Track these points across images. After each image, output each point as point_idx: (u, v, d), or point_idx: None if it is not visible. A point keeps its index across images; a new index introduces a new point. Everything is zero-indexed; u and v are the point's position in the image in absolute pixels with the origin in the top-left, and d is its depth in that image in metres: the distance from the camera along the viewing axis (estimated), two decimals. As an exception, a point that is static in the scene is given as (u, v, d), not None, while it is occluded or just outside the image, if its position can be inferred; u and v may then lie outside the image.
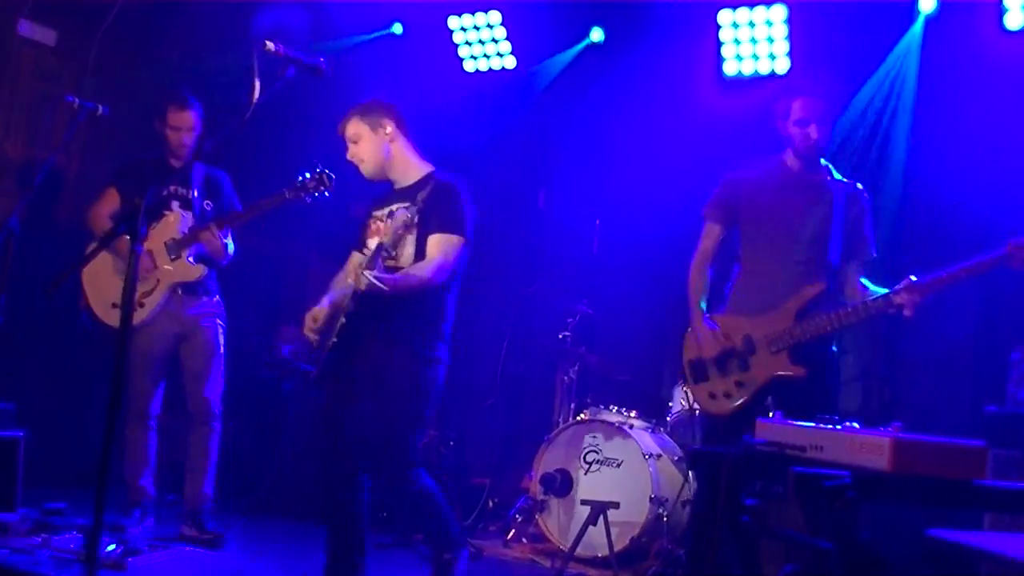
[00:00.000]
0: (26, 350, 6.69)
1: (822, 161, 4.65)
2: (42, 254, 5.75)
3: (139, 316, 5.57)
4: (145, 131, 6.06)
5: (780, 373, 4.33)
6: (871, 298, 4.27)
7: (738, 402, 4.42)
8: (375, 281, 4.04)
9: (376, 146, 4.50)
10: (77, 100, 5.37)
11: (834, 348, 4.55)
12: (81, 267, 5.43)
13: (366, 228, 4.62)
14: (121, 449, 5.73)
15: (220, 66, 7.18)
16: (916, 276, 4.15)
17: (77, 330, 5.83)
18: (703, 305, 4.65)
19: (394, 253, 4.31)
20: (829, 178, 4.62)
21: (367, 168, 4.54)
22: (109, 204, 5.86)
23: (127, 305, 3.35)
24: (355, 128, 4.50)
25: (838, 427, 2.81)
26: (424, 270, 4.26)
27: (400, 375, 4.28)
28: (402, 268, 4.32)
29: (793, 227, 4.51)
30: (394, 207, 4.47)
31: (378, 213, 4.58)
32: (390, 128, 4.51)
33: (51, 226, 6.90)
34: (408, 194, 4.47)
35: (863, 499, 2.48)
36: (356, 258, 4.60)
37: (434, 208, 4.35)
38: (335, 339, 4.26)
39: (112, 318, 5.68)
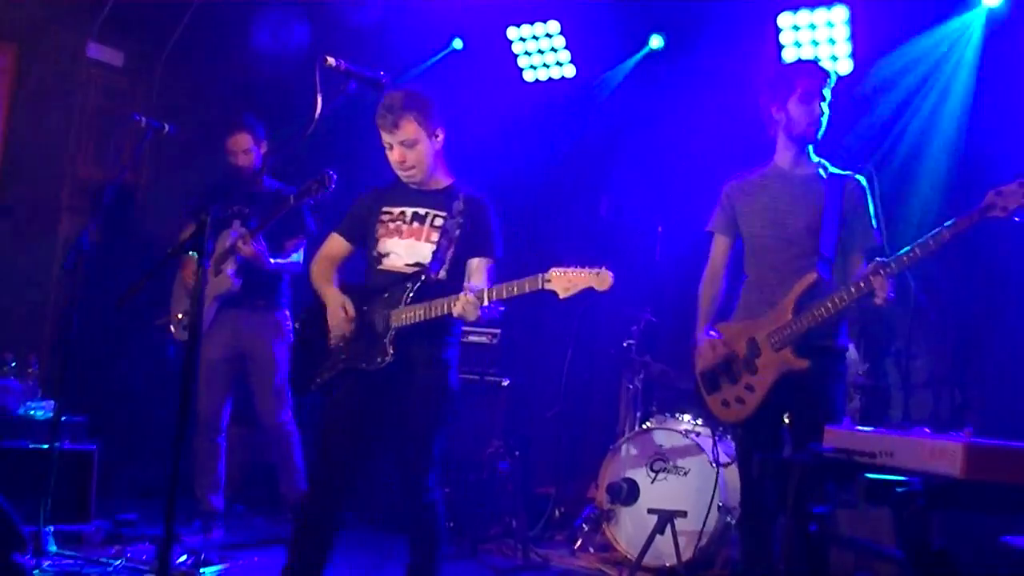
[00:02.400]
0: (98, 364, 6.81)
1: (814, 157, 4.52)
2: (113, 271, 5.87)
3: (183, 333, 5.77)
4: (211, 148, 6.16)
5: (786, 368, 4.26)
6: (852, 280, 4.13)
7: (751, 406, 4.35)
8: (480, 311, 3.95)
9: (430, 153, 4.21)
10: (144, 119, 5.48)
11: (843, 342, 4.43)
12: (145, 282, 5.55)
13: (371, 223, 4.33)
14: (190, 462, 5.83)
15: (283, 83, 7.28)
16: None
17: (147, 345, 5.95)
18: (707, 317, 4.60)
19: (445, 263, 4.17)
20: (820, 171, 4.50)
21: (415, 175, 4.23)
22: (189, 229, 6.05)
23: (195, 320, 3.40)
24: (411, 131, 4.13)
25: (908, 433, 2.77)
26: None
27: (437, 390, 4.17)
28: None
29: (784, 225, 4.41)
30: (421, 211, 4.25)
31: (393, 210, 4.30)
32: (442, 135, 4.24)
33: (122, 243, 7.02)
34: (438, 201, 4.26)
35: (934, 506, 2.44)
36: (340, 245, 4.42)
37: (475, 227, 4.22)
38: (390, 357, 4.09)
39: (179, 333, 5.88)
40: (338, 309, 4.24)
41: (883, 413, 5.97)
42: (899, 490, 2.48)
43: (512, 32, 7.77)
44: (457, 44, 8.09)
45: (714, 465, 5.78)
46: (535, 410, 7.47)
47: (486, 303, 3.93)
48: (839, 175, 4.48)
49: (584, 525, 6.41)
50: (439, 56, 8.08)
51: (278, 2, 7.46)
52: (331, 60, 3.71)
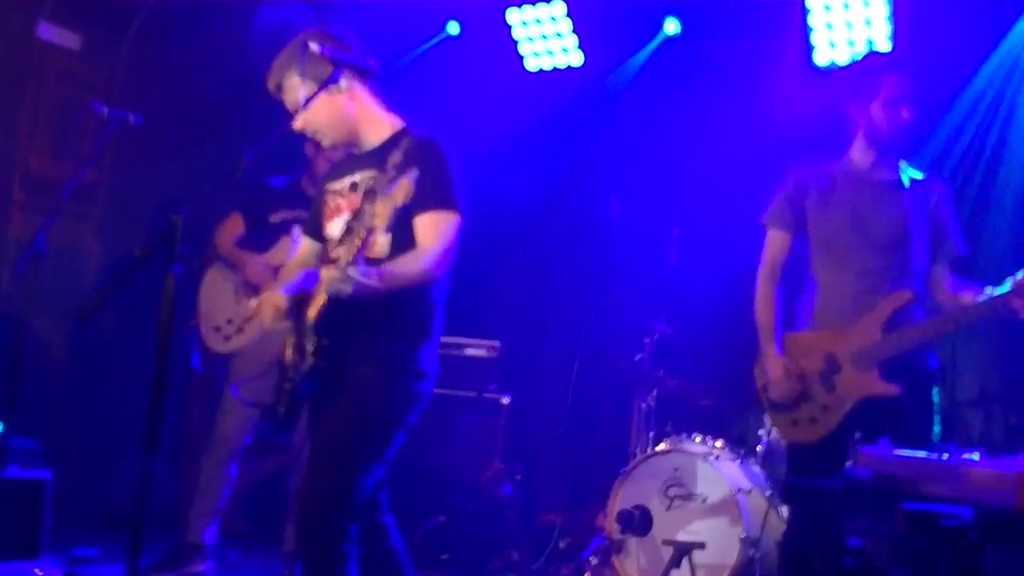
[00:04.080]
0: (54, 381, 6.78)
1: (895, 161, 4.53)
2: (72, 278, 5.84)
3: (237, 342, 5.73)
4: (183, 141, 6.13)
5: (870, 393, 4.25)
6: (978, 300, 4.13)
7: (825, 428, 4.33)
8: (364, 280, 3.37)
9: (335, 109, 3.87)
10: (106, 108, 5.45)
11: (933, 363, 4.44)
12: (112, 290, 5.52)
13: (321, 207, 4.04)
14: (185, 484, 5.76)
15: (264, 68, 7.25)
16: None
17: (110, 359, 5.90)
18: (774, 329, 4.58)
19: (370, 240, 3.56)
20: (904, 174, 4.51)
21: (328, 140, 3.94)
22: (232, 229, 5.99)
23: (165, 329, 3.37)
24: (297, 89, 3.83)
25: (956, 458, 2.75)
26: (421, 261, 3.64)
27: (376, 397, 3.70)
28: (380, 260, 3.67)
29: (868, 231, 4.41)
30: (357, 177, 3.88)
31: (335, 186, 3.97)
32: (346, 82, 3.83)
33: (82, 246, 7.00)
34: (375, 158, 3.84)
35: (988, 540, 2.43)
36: (308, 247, 4.12)
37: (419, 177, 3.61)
38: (312, 362, 3.66)
39: (213, 341, 5.85)
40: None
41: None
42: (946, 522, 2.47)
43: (513, 15, 7.76)
44: (453, 28, 8.07)
45: (735, 492, 5.77)
46: (538, 430, 7.47)
47: (353, 273, 3.36)
48: (922, 180, 4.49)
49: (592, 557, 6.38)
50: (433, 42, 8.07)
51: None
52: (314, 46, 3.69)
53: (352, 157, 4.01)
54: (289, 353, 3.79)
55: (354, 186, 3.88)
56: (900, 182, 4.47)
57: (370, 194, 3.73)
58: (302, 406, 3.81)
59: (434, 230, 3.68)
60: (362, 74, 3.93)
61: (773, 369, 4.48)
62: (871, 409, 4.21)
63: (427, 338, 3.85)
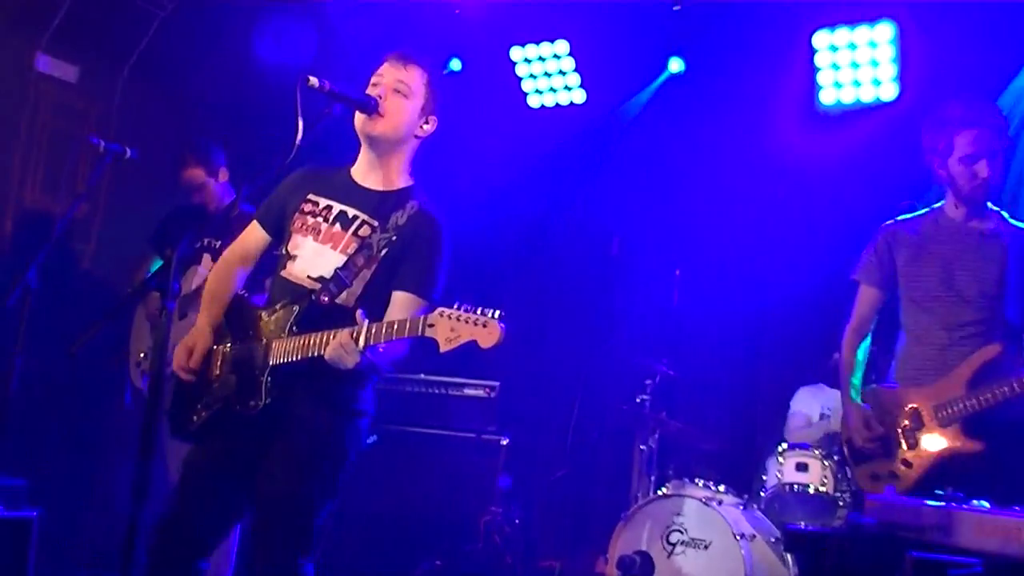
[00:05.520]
0: (43, 419, 6.74)
1: (990, 205, 4.49)
2: (64, 312, 5.81)
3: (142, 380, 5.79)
4: (179, 176, 6.14)
5: (952, 449, 4.20)
6: None
7: (906, 484, 4.27)
8: (369, 358, 3.52)
9: (411, 126, 3.90)
10: (102, 142, 5.45)
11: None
12: (102, 326, 5.53)
13: (290, 209, 3.96)
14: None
15: (261, 103, 7.27)
16: None
17: (100, 396, 5.88)
18: (856, 382, 4.55)
19: (350, 285, 3.72)
20: (1000, 225, 4.46)
21: (382, 127, 3.84)
22: (145, 263, 6.03)
23: (157, 370, 3.35)
24: (415, 82, 3.89)
25: (964, 505, 2.72)
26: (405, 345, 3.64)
27: (324, 442, 3.71)
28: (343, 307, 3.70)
29: (960, 284, 4.37)
30: (350, 210, 3.86)
31: (318, 201, 3.92)
32: (431, 127, 3.96)
33: (75, 281, 6.98)
34: (377, 205, 3.86)
35: (998, 591, 2.40)
36: (257, 237, 4.05)
37: (410, 250, 3.79)
38: (263, 401, 3.65)
39: (134, 377, 5.92)
40: (181, 347, 3.86)
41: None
42: (955, 572, 2.44)
43: (516, 53, 7.80)
44: (455, 65, 8.09)
45: (738, 538, 5.73)
46: (537, 473, 7.43)
47: (360, 345, 3.45)
48: (1018, 228, 4.44)
49: (592, 605, 6.36)
50: (435, 78, 8.09)
51: (256, 15, 7.46)
52: (314, 80, 3.67)
53: (349, 181, 3.96)
54: (220, 372, 3.84)
55: (344, 217, 3.85)
56: (996, 233, 4.42)
57: (365, 249, 3.76)
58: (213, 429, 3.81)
59: (408, 315, 3.60)
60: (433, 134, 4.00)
61: (854, 414, 4.46)
62: (955, 467, 4.16)
63: (371, 380, 3.87)
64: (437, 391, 7.06)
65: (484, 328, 3.33)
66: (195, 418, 3.85)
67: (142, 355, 5.96)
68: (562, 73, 7.77)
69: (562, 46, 7.65)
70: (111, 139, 5.54)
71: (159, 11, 7.42)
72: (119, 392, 6.07)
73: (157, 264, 6.01)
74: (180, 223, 6.01)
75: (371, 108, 3.80)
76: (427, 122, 3.93)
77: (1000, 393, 4.10)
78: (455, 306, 3.36)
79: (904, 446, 4.31)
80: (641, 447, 6.74)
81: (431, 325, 3.37)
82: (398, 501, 6.77)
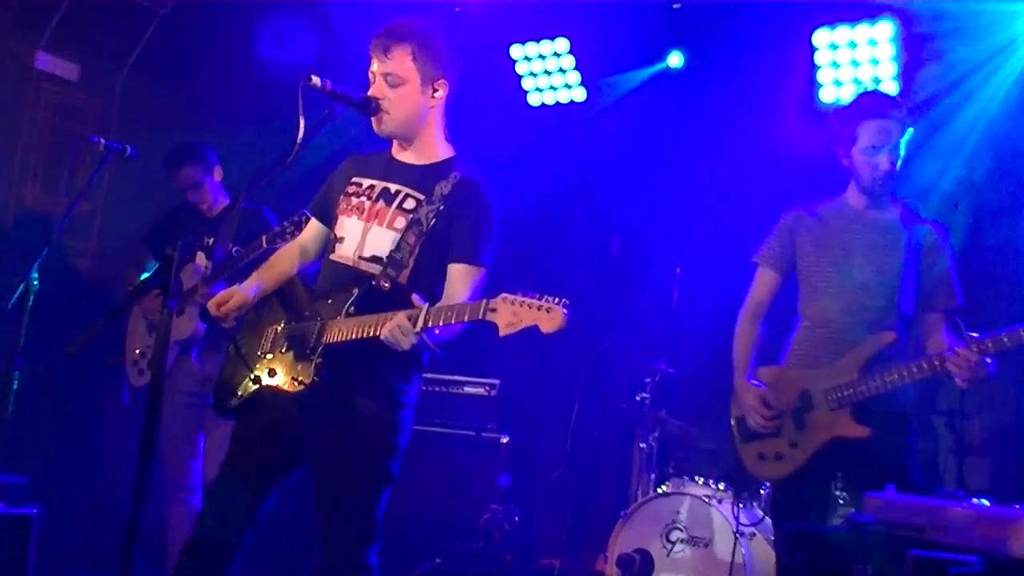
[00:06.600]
0: (43, 417, 6.75)
1: (897, 196, 4.54)
2: (61, 313, 5.82)
3: (143, 378, 5.77)
4: (173, 175, 6.14)
5: (840, 434, 4.23)
6: (929, 356, 4.13)
7: (791, 466, 4.34)
8: (426, 341, 3.52)
9: (417, 106, 3.84)
10: (103, 140, 5.45)
11: (910, 407, 4.40)
12: (102, 325, 5.54)
13: (337, 194, 4.00)
14: (163, 527, 5.77)
15: (261, 101, 7.27)
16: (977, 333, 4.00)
17: (100, 394, 5.88)
18: (750, 363, 4.61)
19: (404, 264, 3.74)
20: (901, 216, 4.50)
21: (389, 125, 3.85)
22: (140, 262, 6.03)
23: (158, 368, 3.36)
24: (403, 66, 3.80)
25: (963, 504, 2.73)
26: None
27: (380, 433, 3.72)
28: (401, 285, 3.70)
29: (857, 272, 4.41)
30: (393, 186, 3.87)
31: (360, 182, 3.95)
32: (442, 91, 3.89)
33: (75, 280, 6.98)
34: (421, 179, 3.87)
35: (998, 589, 2.41)
36: (314, 230, 4.05)
37: (460, 220, 3.79)
38: (312, 380, 3.64)
39: (132, 376, 5.91)
40: (214, 300, 3.88)
41: (932, 480, 5.93)
42: (955, 570, 2.44)
43: (516, 51, 7.79)
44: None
45: (737, 535, 5.74)
46: (537, 471, 7.44)
47: (419, 328, 3.43)
48: (920, 221, 4.48)
49: (591, 603, 6.37)
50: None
51: (256, 13, 7.46)
52: (315, 79, 3.66)
53: (390, 159, 3.98)
54: (272, 350, 3.83)
55: (387, 194, 3.86)
56: (895, 224, 4.47)
57: (415, 225, 3.76)
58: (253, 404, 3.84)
59: (467, 285, 3.73)
60: (451, 90, 3.93)
61: (748, 398, 4.49)
62: (841, 452, 4.23)
63: (420, 371, 3.88)
64: (437, 389, 7.06)
65: (547, 314, 3.28)
66: (235, 397, 3.87)
67: (137, 352, 5.97)
68: (562, 71, 7.76)
69: (562, 44, 7.64)
70: (111, 137, 5.55)
71: (159, 9, 7.43)
72: (118, 391, 6.08)
73: (153, 265, 6.03)
74: (176, 223, 6.01)
75: (372, 110, 3.81)
76: (435, 90, 3.87)
77: (889, 381, 4.14)
78: (519, 292, 3.34)
79: (792, 427, 4.34)
80: (641, 445, 6.76)
81: (493, 310, 3.34)
82: (398, 499, 6.76)
